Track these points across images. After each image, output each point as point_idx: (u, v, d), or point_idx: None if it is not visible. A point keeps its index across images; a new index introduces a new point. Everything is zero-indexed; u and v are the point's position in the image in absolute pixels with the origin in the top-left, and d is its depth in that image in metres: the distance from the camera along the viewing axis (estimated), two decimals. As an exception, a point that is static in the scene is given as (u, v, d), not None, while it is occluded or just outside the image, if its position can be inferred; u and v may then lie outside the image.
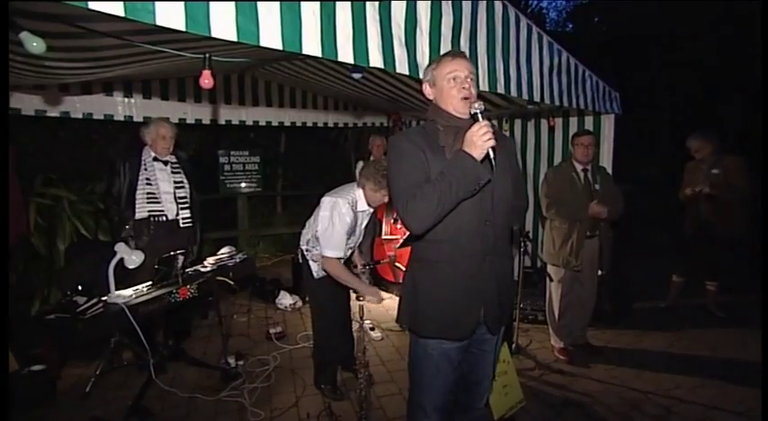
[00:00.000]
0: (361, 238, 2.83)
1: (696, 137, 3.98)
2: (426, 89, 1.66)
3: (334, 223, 2.51)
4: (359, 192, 2.60)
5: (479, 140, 1.41)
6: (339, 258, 2.57)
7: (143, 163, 3.12)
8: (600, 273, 3.31)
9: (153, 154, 3.14)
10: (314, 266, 2.69)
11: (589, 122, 4.19)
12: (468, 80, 1.57)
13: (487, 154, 1.43)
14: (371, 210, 2.70)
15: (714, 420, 2.57)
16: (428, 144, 1.56)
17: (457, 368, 1.68)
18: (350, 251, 2.74)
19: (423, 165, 1.53)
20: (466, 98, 1.55)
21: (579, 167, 3.15)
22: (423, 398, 1.68)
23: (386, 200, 2.56)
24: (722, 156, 3.90)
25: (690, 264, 4.11)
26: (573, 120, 4.32)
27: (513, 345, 3.28)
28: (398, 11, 2.03)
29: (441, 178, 1.44)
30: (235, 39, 1.51)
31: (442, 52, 2.23)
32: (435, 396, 1.66)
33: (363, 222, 2.73)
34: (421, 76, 2.18)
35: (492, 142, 1.42)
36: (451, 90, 1.56)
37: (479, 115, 1.48)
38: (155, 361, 2.79)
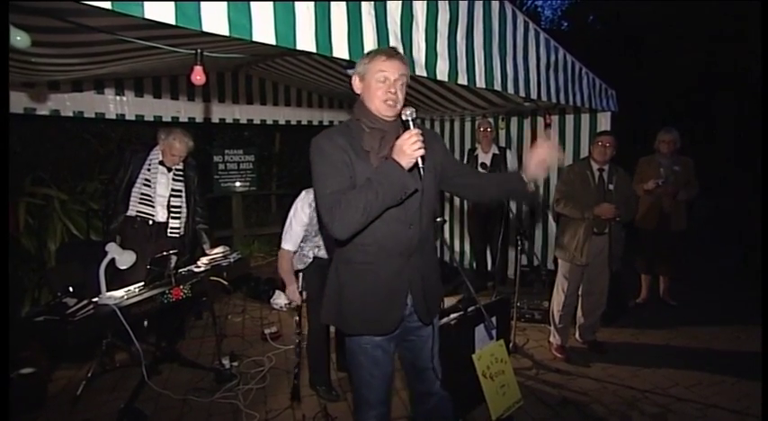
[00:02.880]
0: None
1: (673, 131, 4.03)
2: (355, 81, 1.60)
3: (291, 217, 2.58)
4: None
5: (409, 149, 1.40)
6: (294, 252, 2.66)
7: (148, 162, 3.09)
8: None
9: (161, 157, 3.10)
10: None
11: (585, 120, 4.19)
12: (398, 84, 1.53)
13: (416, 162, 1.42)
14: None
15: (711, 418, 2.56)
16: (352, 146, 1.53)
17: (393, 357, 1.74)
18: (317, 249, 2.69)
19: (347, 168, 1.50)
20: (387, 102, 1.52)
21: (595, 166, 3.15)
22: (365, 391, 1.71)
23: None
24: (679, 155, 4.03)
25: (652, 257, 4.18)
26: (569, 118, 4.32)
27: (511, 345, 3.25)
28: (394, 6, 2.00)
29: (368, 186, 1.42)
30: (227, 33, 1.47)
31: (438, 48, 2.22)
32: (377, 387, 1.70)
33: None
34: (416, 72, 2.15)
35: (421, 151, 1.41)
36: (377, 90, 1.52)
37: (411, 122, 1.46)
38: (147, 362, 2.74)
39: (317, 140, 1.55)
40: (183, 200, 3.21)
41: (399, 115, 1.52)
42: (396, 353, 1.78)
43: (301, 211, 2.55)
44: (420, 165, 1.43)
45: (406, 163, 1.42)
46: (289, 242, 2.62)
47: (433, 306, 1.75)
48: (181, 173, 3.19)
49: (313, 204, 2.54)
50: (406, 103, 1.56)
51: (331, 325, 1.74)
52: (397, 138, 1.45)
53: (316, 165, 1.52)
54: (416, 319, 1.72)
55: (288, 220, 2.61)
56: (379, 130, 1.56)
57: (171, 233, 3.17)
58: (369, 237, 1.54)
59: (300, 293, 2.65)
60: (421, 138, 1.42)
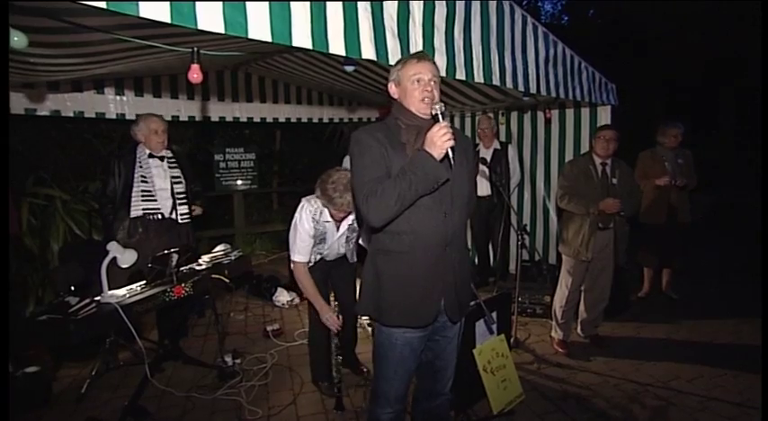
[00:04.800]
0: (342, 249, 2.72)
1: (679, 124, 4.02)
2: (392, 88, 1.70)
3: (296, 226, 2.51)
4: None
5: (439, 140, 1.48)
6: (307, 262, 2.57)
7: (138, 160, 3.08)
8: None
9: (147, 151, 3.10)
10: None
11: (585, 114, 4.18)
12: (432, 83, 1.63)
13: (446, 153, 1.50)
14: (348, 223, 2.59)
15: (713, 411, 2.56)
16: (389, 140, 1.61)
17: (419, 356, 1.77)
18: (319, 256, 2.67)
19: (384, 160, 1.58)
20: (425, 100, 1.61)
21: (598, 161, 3.14)
22: (386, 387, 1.75)
23: (341, 215, 2.47)
24: (682, 148, 4.02)
25: (661, 251, 4.16)
26: (569, 112, 4.31)
27: (512, 339, 3.25)
28: (391, 2, 2.00)
29: (401, 175, 1.50)
30: (222, 31, 1.48)
31: (435, 44, 2.21)
32: (398, 385, 1.74)
33: (336, 234, 2.62)
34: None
35: (451, 142, 1.49)
36: (414, 91, 1.62)
37: (440, 116, 1.56)
38: (150, 360, 2.76)
39: (358, 135, 1.64)
40: (185, 185, 3.22)
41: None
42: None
43: (306, 222, 2.50)
44: (450, 156, 1.50)
45: (437, 154, 1.49)
46: (299, 253, 2.53)
47: (464, 303, 1.79)
48: (173, 159, 3.20)
49: (316, 216, 2.52)
50: None
51: (368, 316, 1.74)
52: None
53: (355, 157, 1.61)
54: (446, 318, 1.74)
55: (292, 233, 2.54)
56: (415, 127, 1.65)
57: (182, 220, 3.19)
58: (404, 225, 1.60)
59: (300, 295, 2.58)
60: (450, 130, 1.51)
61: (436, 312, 1.69)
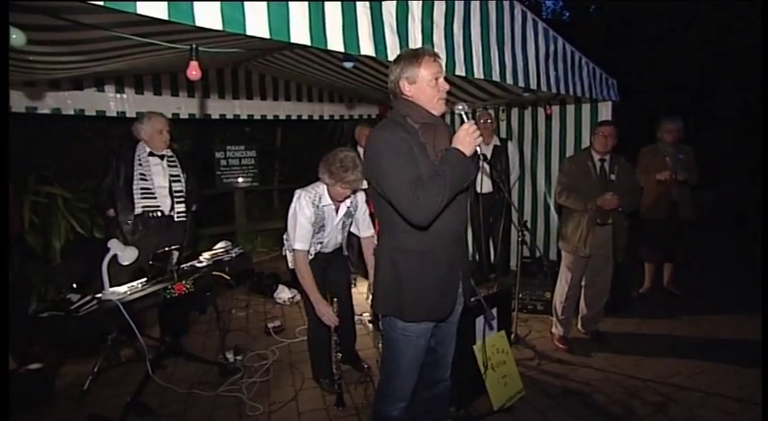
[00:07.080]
0: (340, 236, 2.76)
1: (677, 119, 4.01)
2: (404, 85, 1.64)
3: (296, 214, 2.53)
4: (323, 187, 2.55)
5: (470, 138, 1.53)
6: (307, 251, 2.58)
7: (137, 158, 3.08)
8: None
9: (148, 149, 3.10)
10: (289, 256, 2.70)
11: (586, 110, 4.16)
12: (444, 81, 1.65)
13: (475, 151, 1.56)
14: (347, 206, 2.63)
15: (714, 406, 2.56)
16: (413, 140, 1.60)
17: (429, 345, 1.79)
18: (319, 245, 2.68)
19: (415, 159, 1.57)
20: (442, 99, 1.65)
21: (597, 157, 3.13)
22: (401, 382, 1.75)
23: (347, 193, 2.51)
24: (682, 144, 4.01)
25: (664, 246, 4.15)
26: (570, 108, 4.29)
27: (512, 335, 3.26)
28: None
29: (442, 174, 1.50)
30: (220, 27, 1.48)
31: (434, 40, 2.21)
32: (411, 378, 1.76)
33: (335, 219, 2.64)
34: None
35: (480, 139, 1.54)
36: (433, 90, 1.62)
37: (464, 116, 1.59)
38: (152, 357, 2.77)
39: (382, 135, 1.61)
40: (183, 183, 3.23)
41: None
42: None
43: (306, 208, 2.52)
44: (479, 154, 1.58)
45: (468, 152, 1.54)
46: (299, 241, 2.52)
47: (472, 287, 1.83)
48: (173, 157, 3.21)
49: (316, 201, 2.52)
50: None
51: (388, 315, 1.73)
52: (444, 130, 1.63)
53: (385, 158, 1.56)
54: (461, 303, 1.79)
55: (291, 222, 2.55)
56: (430, 125, 1.65)
57: (178, 218, 3.20)
58: (430, 224, 1.59)
59: (301, 291, 2.58)
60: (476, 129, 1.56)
61: (454, 303, 1.73)
